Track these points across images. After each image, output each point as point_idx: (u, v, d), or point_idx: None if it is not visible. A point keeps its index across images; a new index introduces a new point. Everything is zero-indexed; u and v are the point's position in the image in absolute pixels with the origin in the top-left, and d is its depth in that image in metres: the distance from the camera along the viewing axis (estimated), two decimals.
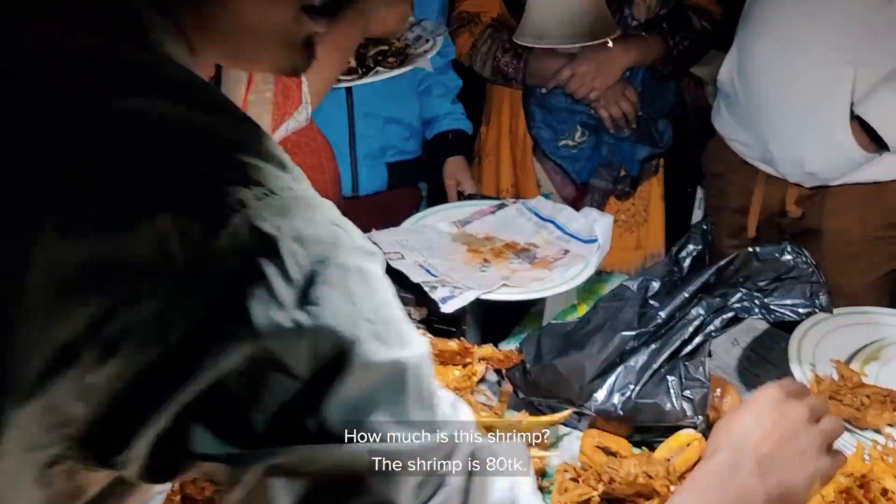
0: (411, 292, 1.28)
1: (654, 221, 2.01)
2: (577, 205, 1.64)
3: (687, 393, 1.13)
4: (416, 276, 1.25)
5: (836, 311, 1.41)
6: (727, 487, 0.69)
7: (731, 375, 1.40)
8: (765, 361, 1.41)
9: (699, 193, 2.10)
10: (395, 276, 1.31)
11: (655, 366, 1.15)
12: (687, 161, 2.02)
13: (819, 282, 1.13)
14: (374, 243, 1.34)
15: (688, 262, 1.25)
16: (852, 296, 1.52)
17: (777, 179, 1.71)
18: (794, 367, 1.24)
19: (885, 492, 0.94)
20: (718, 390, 1.27)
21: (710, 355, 1.45)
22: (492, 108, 2.04)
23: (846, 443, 1.11)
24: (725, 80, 1.75)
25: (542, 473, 1.12)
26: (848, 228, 1.66)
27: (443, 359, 1.06)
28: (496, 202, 1.54)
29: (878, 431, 1.10)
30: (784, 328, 1.35)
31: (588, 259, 1.35)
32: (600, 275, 1.51)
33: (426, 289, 1.22)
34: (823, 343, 1.32)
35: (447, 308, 1.19)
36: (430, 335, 1.16)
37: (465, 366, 1.07)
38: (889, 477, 0.94)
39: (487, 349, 1.09)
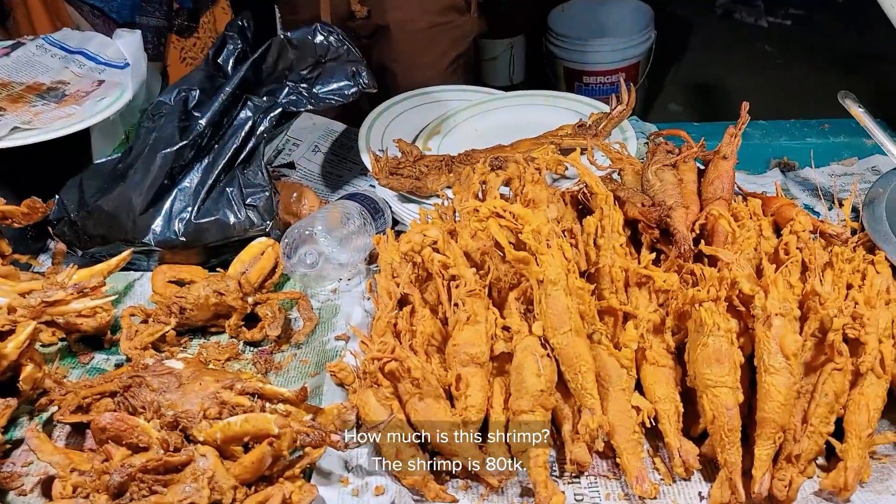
0: None
1: None
2: None
3: (250, 201, 1.06)
4: None
5: (401, 95, 1.44)
6: None
7: (316, 181, 1.36)
8: (345, 160, 1.39)
9: (277, 12, 1.99)
10: None
11: (211, 181, 1.06)
12: None
13: (357, 59, 1.10)
14: None
15: (231, 63, 1.14)
16: (426, 86, 1.54)
17: None
18: (363, 155, 1.23)
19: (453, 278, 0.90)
20: (295, 194, 1.21)
21: (294, 167, 1.41)
22: None
23: (411, 212, 1.14)
24: None
25: (110, 327, 1.00)
26: (411, 20, 1.67)
27: None
28: (10, 42, 1.28)
29: (438, 196, 1.12)
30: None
31: (124, 85, 1.17)
32: None
33: None
34: (392, 128, 1.33)
35: None
36: None
37: None
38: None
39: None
